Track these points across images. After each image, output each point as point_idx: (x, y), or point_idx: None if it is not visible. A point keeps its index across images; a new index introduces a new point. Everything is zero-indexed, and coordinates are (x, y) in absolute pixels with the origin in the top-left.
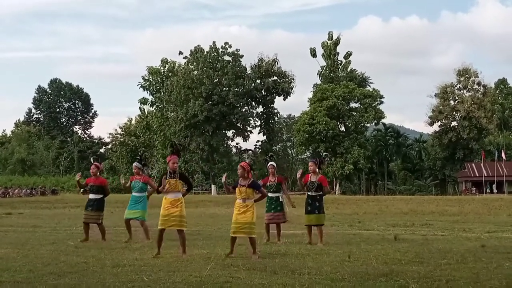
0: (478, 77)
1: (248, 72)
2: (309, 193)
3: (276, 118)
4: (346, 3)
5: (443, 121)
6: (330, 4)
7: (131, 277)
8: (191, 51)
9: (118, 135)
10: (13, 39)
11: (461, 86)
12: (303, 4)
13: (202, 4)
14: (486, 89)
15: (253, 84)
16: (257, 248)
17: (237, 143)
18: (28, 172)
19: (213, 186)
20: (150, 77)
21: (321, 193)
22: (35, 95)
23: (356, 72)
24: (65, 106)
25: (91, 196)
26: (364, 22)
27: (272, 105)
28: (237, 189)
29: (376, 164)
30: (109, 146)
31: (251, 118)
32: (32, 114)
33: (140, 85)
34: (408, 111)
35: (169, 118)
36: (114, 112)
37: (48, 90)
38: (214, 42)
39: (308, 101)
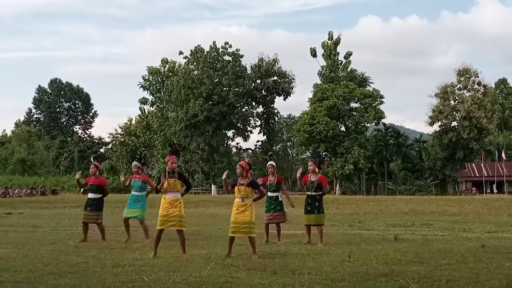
0: (478, 77)
1: (248, 72)
2: (309, 193)
3: (276, 118)
4: (346, 3)
5: (443, 121)
6: (330, 4)
7: (131, 277)
8: (191, 51)
9: (118, 135)
10: (13, 39)
11: (461, 86)
12: (303, 4)
13: (202, 4)
14: (486, 89)
15: (253, 84)
16: (257, 248)
17: (237, 143)
18: (28, 172)
19: (213, 186)
20: (150, 77)
21: (320, 193)
22: (35, 95)
23: (356, 72)
24: (65, 106)
25: (90, 195)
26: (364, 22)
27: (272, 105)
28: (236, 188)
29: (376, 164)
30: (109, 146)
31: (251, 118)
32: (32, 114)
33: (140, 85)
34: (408, 111)
35: (169, 118)
36: (114, 112)
37: (48, 90)
38: (214, 42)
39: (308, 101)
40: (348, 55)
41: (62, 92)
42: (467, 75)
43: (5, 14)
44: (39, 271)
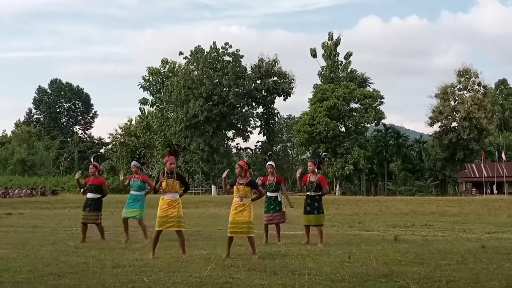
0: (478, 77)
1: (248, 73)
2: (308, 193)
3: (276, 119)
4: (346, 3)
5: (443, 121)
6: (330, 4)
7: (131, 277)
8: (191, 51)
9: (118, 136)
10: (13, 39)
11: (461, 87)
12: (303, 4)
13: (202, 4)
14: (486, 90)
15: (253, 85)
16: (257, 249)
17: (237, 144)
18: (28, 173)
19: (213, 187)
20: (150, 78)
21: (320, 193)
22: (35, 95)
23: (357, 73)
24: (65, 106)
25: (89, 195)
26: (364, 22)
27: (272, 106)
28: (235, 187)
29: (376, 165)
30: (109, 146)
31: (251, 119)
32: (32, 114)
33: (140, 86)
34: (408, 111)
35: (169, 119)
36: (114, 112)
37: (48, 90)
38: (214, 43)
39: (308, 101)
40: (348, 55)
41: (62, 93)
42: (467, 76)
43: (5, 14)
44: (39, 271)
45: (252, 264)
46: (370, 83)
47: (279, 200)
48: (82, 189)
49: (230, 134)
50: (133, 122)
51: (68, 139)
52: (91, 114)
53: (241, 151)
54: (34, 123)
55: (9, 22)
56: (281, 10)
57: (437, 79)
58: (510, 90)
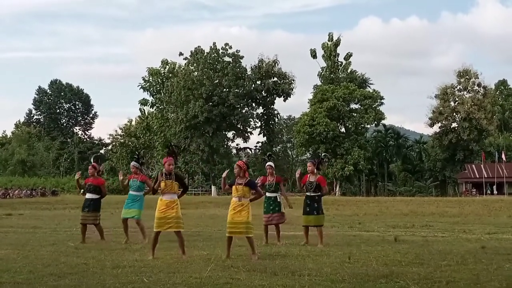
0: (478, 78)
1: (248, 73)
2: (308, 194)
3: (276, 119)
4: (347, 4)
5: (443, 122)
6: (330, 5)
7: (131, 278)
8: (191, 52)
9: (118, 136)
10: (13, 39)
11: (461, 87)
12: (303, 5)
13: (202, 5)
14: (486, 90)
15: (253, 85)
16: (257, 250)
17: (237, 144)
18: (28, 173)
19: (213, 187)
20: (150, 78)
21: (319, 193)
22: (35, 96)
23: (357, 73)
24: (65, 107)
25: (88, 196)
26: (364, 23)
27: (272, 106)
28: (233, 187)
29: (376, 165)
30: (109, 147)
31: (251, 119)
32: (32, 115)
33: (140, 86)
34: (408, 112)
35: (169, 119)
36: (114, 113)
37: (48, 91)
38: (214, 43)
39: (308, 102)
40: (348, 56)
41: (62, 93)
42: (467, 76)
43: (5, 14)
44: (39, 272)
45: (252, 265)
46: (370, 84)
47: (278, 200)
48: (82, 190)
49: (230, 134)
50: (133, 123)
51: (68, 139)
52: (91, 115)
53: (240, 151)
54: (34, 123)
55: (9, 22)
56: (281, 11)
57: (437, 80)
58: (510, 91)
